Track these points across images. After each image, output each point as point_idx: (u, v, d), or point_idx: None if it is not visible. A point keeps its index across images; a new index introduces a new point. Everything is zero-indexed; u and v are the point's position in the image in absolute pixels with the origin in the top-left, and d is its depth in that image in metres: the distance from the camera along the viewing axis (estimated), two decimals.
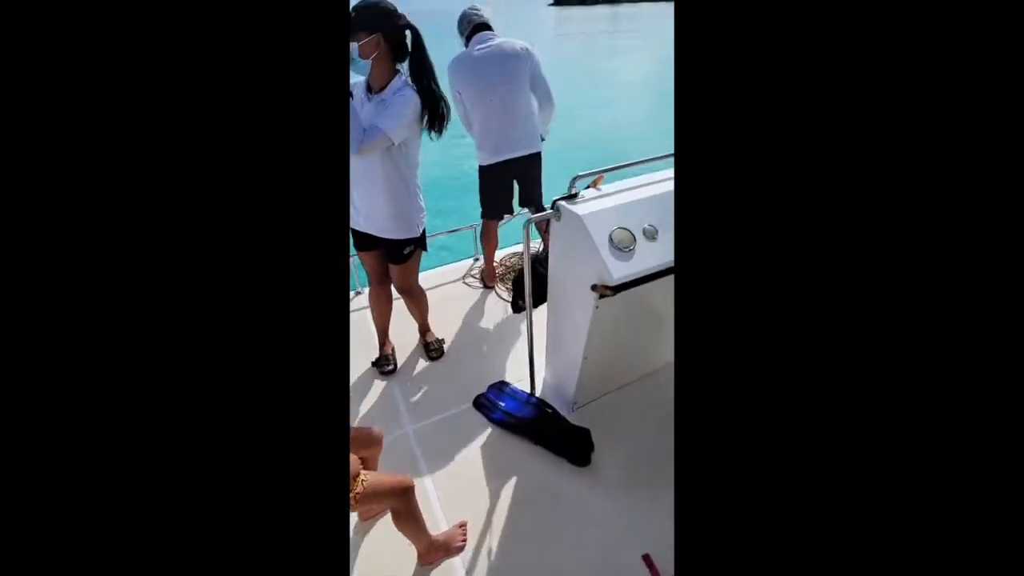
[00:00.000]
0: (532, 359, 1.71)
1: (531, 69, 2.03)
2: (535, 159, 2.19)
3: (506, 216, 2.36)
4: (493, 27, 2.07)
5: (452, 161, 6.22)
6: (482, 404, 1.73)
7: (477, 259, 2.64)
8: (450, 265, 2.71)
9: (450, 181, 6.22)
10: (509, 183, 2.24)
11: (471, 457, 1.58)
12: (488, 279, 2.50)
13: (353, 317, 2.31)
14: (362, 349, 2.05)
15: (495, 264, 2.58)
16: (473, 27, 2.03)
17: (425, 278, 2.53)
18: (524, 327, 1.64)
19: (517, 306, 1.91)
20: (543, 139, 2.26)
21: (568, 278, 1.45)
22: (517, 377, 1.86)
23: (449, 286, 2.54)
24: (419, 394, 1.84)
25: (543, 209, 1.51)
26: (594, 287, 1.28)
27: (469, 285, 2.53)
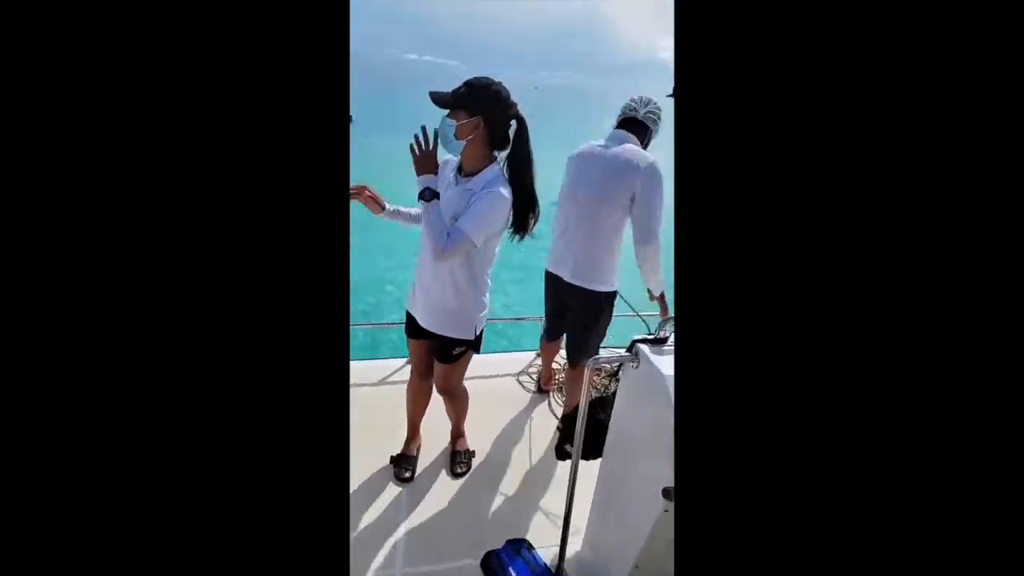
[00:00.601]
0: (567, 529, 1.31)
1: (636, 189, 1.54)
2: (584, 297, 1.69)
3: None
4: (651, 127, 1.65)
5: None
6: (491, 568, 1.34)
7: (539, 354, 2.31)
8: (509, 354, 2.42)
9: None
10: (555, 300, 1.85)
11: None
12: (544, 382, 2.17)
13: (390, 389, 2.07)
14: (386, 431, 1.75)
15: (555, 367, 2.24)
16: (619, 120, 1.70)
17: (477, 363, 2.26)
18: (568, 476, 1.24)
19: (563, 451, 1.53)
20: (650, 293, 1.70)
21: (632, 450, 1.06)
22: (544, 540, 1.44)
23: (501, 380, 2.23)
24: (424, 521, 1.50)
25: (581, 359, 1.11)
26: (667, 492, 0.89)
27: (523, 385, 2.20)
